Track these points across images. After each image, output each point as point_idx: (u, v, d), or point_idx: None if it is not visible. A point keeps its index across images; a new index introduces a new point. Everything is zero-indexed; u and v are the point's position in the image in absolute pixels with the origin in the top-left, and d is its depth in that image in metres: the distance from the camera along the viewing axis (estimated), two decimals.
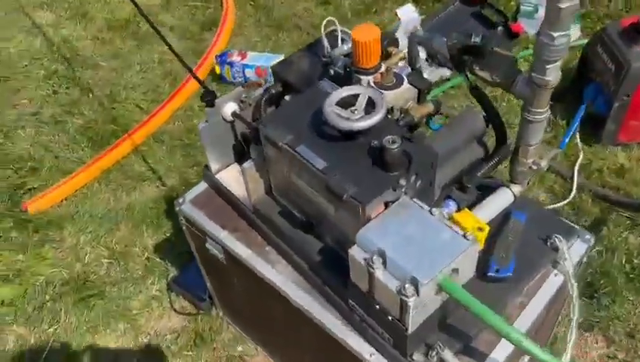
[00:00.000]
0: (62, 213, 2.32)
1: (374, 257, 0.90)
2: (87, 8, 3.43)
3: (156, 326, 1.91)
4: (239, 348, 1.81)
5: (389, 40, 1.26)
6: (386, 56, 1.23)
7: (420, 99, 1.16)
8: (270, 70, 1.39)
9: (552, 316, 1.33)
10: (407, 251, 0.89)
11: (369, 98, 1.02)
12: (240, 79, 2.72)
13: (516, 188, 1.17)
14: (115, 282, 2.03)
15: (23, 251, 2.18)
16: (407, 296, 0.86)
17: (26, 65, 3.04)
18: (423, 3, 3.23)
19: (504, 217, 1.17)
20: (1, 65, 3.06)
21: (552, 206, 2.03)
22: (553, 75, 0.97)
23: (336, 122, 0.99)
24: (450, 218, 0.98)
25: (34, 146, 2.60)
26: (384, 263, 0.90)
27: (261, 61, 2.70)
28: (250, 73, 2.70)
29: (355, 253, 0.92)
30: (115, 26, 3.27)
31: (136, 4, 1.49)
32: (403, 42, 2.59)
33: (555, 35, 0.91)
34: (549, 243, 1.14)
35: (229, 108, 1.29)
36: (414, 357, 0.99)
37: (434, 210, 0.95)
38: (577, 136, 2.26)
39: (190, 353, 1.82)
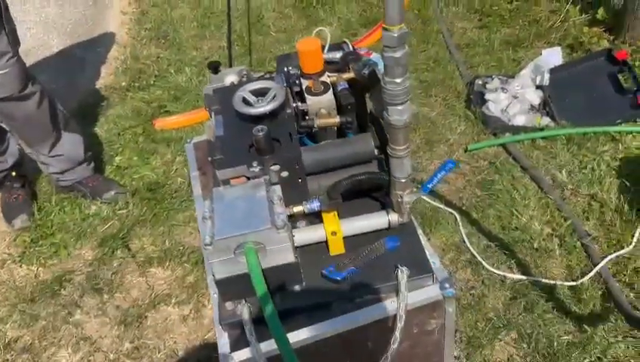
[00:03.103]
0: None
1: (206, 212, 1.14)
2: None
3: None
4: None
5: (354, 58, 1.41)
6: (343, 69, 1.40)
7: (341, 111, 1.32)
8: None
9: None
10: (228, 215, 1.11)
11: (275, 93, 1.24)
12: None
13: (394, 217, 1.26)
14: None
15: None
16: (205, 246, 1.09)
17: None
18: (575, 50, 3.06)
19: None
20: None
21: (549, 281, 1.94)
22: (404, 116, 1.07)
23: (237, 105, 1.23)
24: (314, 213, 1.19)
25: None
26: (211, 218, 1.14)
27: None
28: None
29: (200, 205, 1.18)
30: None
31: None
32: (526, 74, 2.67)
33: (399, 80, 1.02)
34: (396, 272, 1.22)
35: (230, 78, 1.59)
36: (226, 304, 1.21)
37: (274, 197, 1.14)
38: (639, 228, 2.06)
39: None
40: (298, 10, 3.90)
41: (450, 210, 2.28)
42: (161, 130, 2.97)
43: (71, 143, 2.50)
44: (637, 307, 1.86)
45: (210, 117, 1.35)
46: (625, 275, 1.95)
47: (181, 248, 2.32)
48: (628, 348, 1.77)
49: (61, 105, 2.48)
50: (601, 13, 3.17)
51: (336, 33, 3.54)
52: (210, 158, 1.20)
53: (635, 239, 2.03)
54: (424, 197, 2.28)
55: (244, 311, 1.18)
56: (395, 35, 0.95)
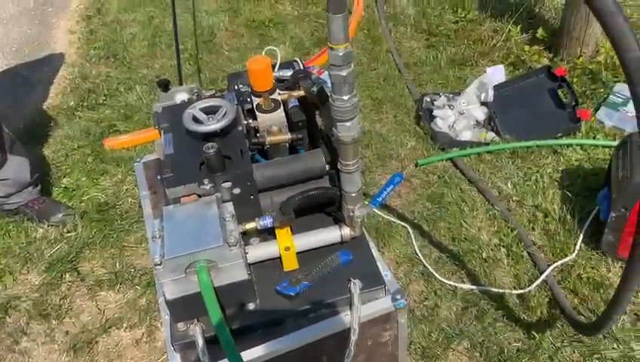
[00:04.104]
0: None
1: (156, 231, 1.13)
2: None
3: None
4: None
5: (303, 76, 1.43)
6: (293, 87, 1.42)
7: (292, 128, 1.34)
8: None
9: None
10: (178, 234, 1.10)
11: (225, 110, 1.25)
12: None
13: (346, 231, 1.28)
14: None
15: None
16: (155, 266, 1.08)
17: None
18: (517, 67, 3.20)
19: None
20: None
21: (499, 290, 2.01)
22: (352, 132, 1.10)
23: (187, 123, 1.23)
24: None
25: None
26: (161, 237, 1.12)
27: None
28: None
29: (150, 224, 1.16)
30: None
31: None
32: (471, 91, 2.75)
33: (346, 97, 1.05)
34: (349, 286, 1.24)
35: (180, 96, 1.59)
36: (177, 325, 1.19)
37: (226, 214, 1.14)
38: (581, 236, 2.16)
39: None
40: (250, 29, 3.93)
41: (402, 223, 2.33)
42: (110, 149, 2.92)
43: (17, 166, 2.42)
44: (581, 312, 1.95)
45: (160, 135, 1.34)
46: (569, 282, 2.04)
47: (132, 270, 2.27)
48: (574, 352, 1.84)
49: (6, 128, 2.40)
50: (540, 32, 3.33)
51: (288, 52, 3.58)
52: (159, 177, 1.19)
53: (577, 247, 2.13)
54: (377, 212, 2.33)
55: (196, 331, 1.16)
56: (341, 53, 0.98)
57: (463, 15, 3.73)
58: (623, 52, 0.87)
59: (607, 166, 2.20)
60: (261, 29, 3.92)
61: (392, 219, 2.35)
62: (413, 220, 2.38)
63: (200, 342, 1.15)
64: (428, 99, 2.98)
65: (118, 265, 2.30)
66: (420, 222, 2.37)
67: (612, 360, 1.80)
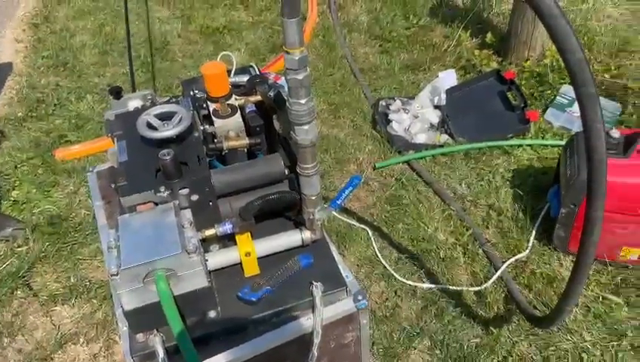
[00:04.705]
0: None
1: (112, 241, 1.10)
2: None
3: None
4: None
5: (260, 81, 1.43)
6: (250, 92, 1.42)
7: (250, 133, 1.34)
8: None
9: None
10: (134, 243, 1.08)
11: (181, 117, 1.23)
12: None
13: (306, 234, 1.29)
14: None
15: None
16: (111, 276, 1.05)
17: None
18: (468, 71, 3.28)
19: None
20: None
21: (457, 287, 2.05)
22: (310, 135, 1.10)
23: (142, 130, 1.21)
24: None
25: None
26: (117, 247, 1.10)
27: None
28: None
29: (105, 234, 1.13)
30: None
31: None
32: (425, 95, 2.79)
33: (303, 101, 1.05)
34: (311, 289, 1.24)
35: (134, 103, 1.56)
36: (137, 336, 1.16)
37: (184, 221, 1.13)
38: (533, 232, 2.23)
39: None
40: (205, 35, 3.89)
41: (362, 226, 2.36)
42: (62, 160, 2.83)
43: None
44: (536, 306, 2.01)
45: (114, 143, 1.31)
46: (524, 277, 2.10)
47: (88, 283, 2.20)
48: (530, 345, 1.90)
49: None
50: (489, 37, 3.44)
51: (244, 59, 3.57)
52: (114, 185, 1.16)
53: (530, 244, 2.20)
54: (338, 215, 2.35)
55: (156, 341, 1.14)
56: (297, 57, 0.99)
57: (415, 21, 3.82)
58: (566, 54, 0.91)
59: (556, 164, 2.29)
60: (215, 35, 3.89)
61: (352, 223, 2.37)
62: (372, 222, 2.41)
63: (160, 352, 1.13)
64: (383, 104, 3.03)
65: (72, 278, 2.23)
66: (379, 224, 2.40)
67: (566, 351, 1.87)
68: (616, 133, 1.96)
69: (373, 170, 2.70)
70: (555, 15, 0.89)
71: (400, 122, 2.90)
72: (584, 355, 1.85)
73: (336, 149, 2.84)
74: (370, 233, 2.32)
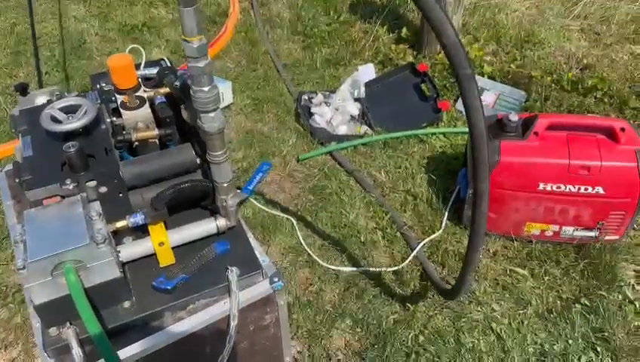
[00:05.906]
0: None
1: (18, 236, 1.09)
2: None
3: None
4: None
5: (168, 73, 1.45)
6: (160, 84, 1.43)
7: (161, 124, 1.36)
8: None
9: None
10: (41, 236, 1.08)
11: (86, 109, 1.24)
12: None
13: (221, 221, 1.32)
14: None
15: None
16: (19, 270, 1.05)
17: None
18: (386, 65, 3.40)
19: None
20: None
21: (376, 269, 2.15)
22: (217, 122, 1.14)
23: (45, 124, 1.21)
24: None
25: None
26: (24, 241, 1.09)
27: None
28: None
29: (12, 229, 1.12)
30: None
31: None
32: (345, 89, 2.85)
33: (206, 88, 1.09)
34: (227, 273, 1.28)
35: (41, 99, 1.53)
36: (49, 331, 1.16)
37: (92, 213, 1.13)
38: (446, 213, 2.37)
39: None
40: (123, 33, 3.81)
41: (287, 216, 2.41)
42: None
43: None
44: (449, 282, 2.14)
45: (18, 139, 1.29)
46: (437, 256, 2.23)
47: (4, 288, 2.13)
48: (445, 319, 2.02)
49: None
50: (404, 32, 3.58)
51: (165, 56, 3.52)
52: (17, 180, 1.15)
53: (443, 224, 2.34)
54: (262, 207, 2.39)
55: (69, 334, 1.14)
56: (195, 45, 1.02)
57: (336, 17, 3.91)
58: (442, 38, 1.00)
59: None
60: (134, 33, 3.82)
61: (277, 213, 2.42)
62: (297, 212, 2.47)
63: (74, 344, 1.13)
64: (306, 98, 3.09)
65: None
66: (303, 213, 2.46)
67: (477, 321, 2.01)
68: (514, 117, 2.11)
69: (297, 162, 2.76)
70: (431, 6, 0.97)
71: (322, 115, 2.98)
72: (493, 324, 1.99)
73: (261, 143, 2.88)
74: (294, 223, 2.38)
